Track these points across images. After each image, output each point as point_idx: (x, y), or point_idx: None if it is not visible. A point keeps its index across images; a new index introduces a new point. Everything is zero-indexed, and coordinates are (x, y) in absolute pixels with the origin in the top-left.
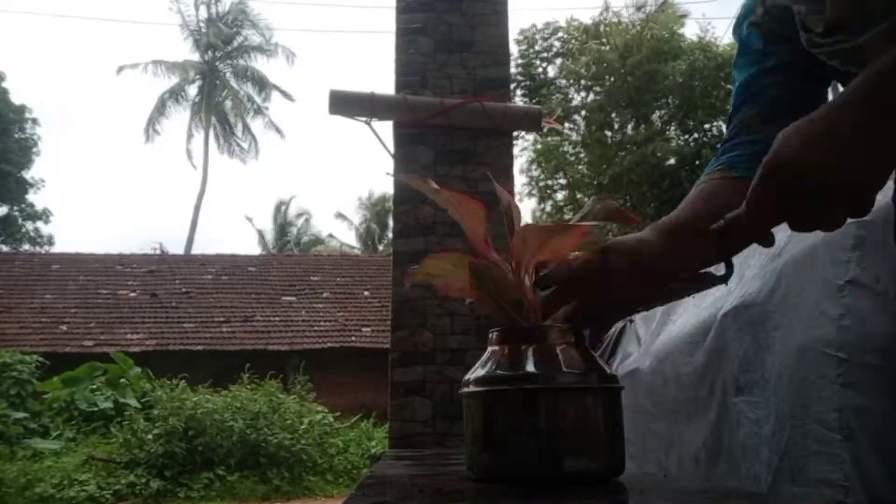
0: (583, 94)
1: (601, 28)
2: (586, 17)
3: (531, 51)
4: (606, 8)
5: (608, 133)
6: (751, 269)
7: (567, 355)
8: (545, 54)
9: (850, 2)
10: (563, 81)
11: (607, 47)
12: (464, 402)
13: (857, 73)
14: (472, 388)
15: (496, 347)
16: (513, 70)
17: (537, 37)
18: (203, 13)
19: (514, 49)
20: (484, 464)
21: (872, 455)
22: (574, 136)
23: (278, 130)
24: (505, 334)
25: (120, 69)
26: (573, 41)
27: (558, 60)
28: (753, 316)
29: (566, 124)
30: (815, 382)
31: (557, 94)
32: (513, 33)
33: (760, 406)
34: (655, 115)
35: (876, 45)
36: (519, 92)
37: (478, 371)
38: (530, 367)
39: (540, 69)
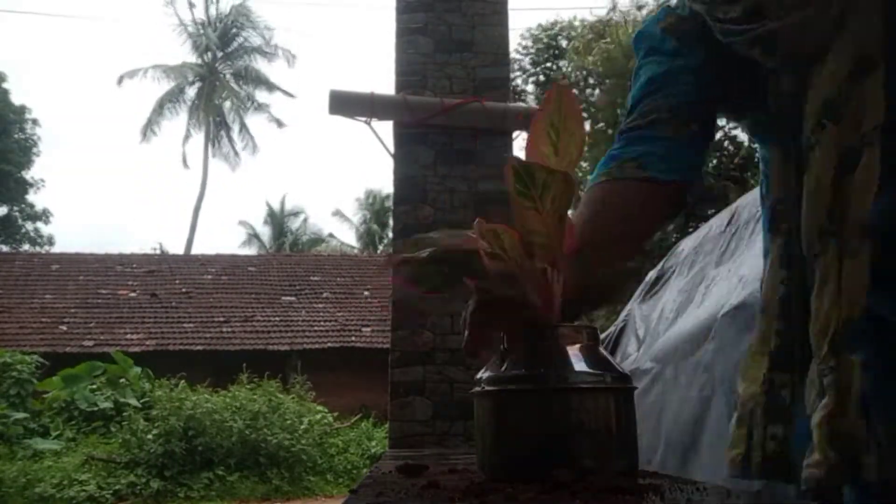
0: (588, 91)
1: (606, 28)
2: (589, 17)
3: (537, 47)
4: (614, 7)
5: (611, 132)
6: (751, 269)
7: (580, 355)
8: (550, 52)
9: None
10: (570, 79)
11: (613, 46)
12: (475, 401)
13: (773, 67)
14: (483, 388)
15: (508, 346)
16: (527, 65)
17: (543, 35)
18: (202, 15)
19: (526, 44)
20: (496, 463)
21: None
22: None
23: (280, 124)
24: (518, 334)
25: (120, 79)
26: (580, 38)
27: (562, 61)
28: (753, 316)
29: None
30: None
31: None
32: (513, 33)
33: None
34: None
35: (792, 33)
36: (530, 87)
37: (489, 371)
38: (543, 367)
39: (549, 65)
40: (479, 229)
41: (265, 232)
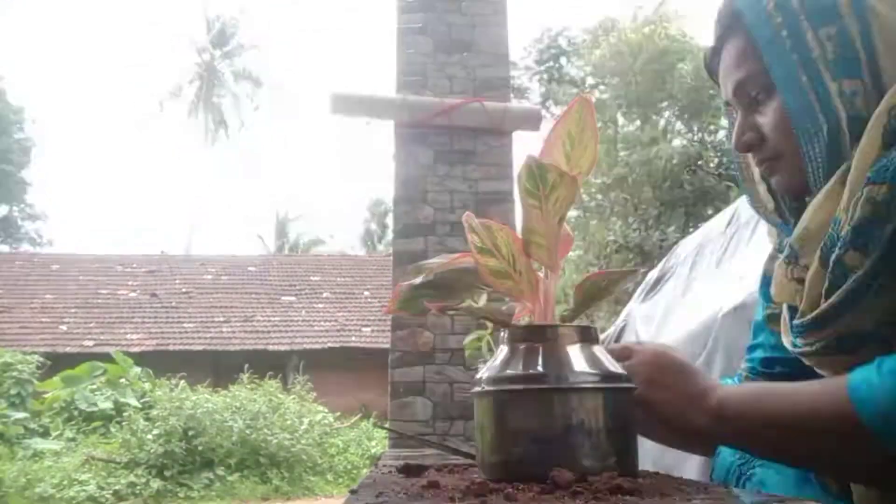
0: (586, 92)
1: (613, 25)
2: (587, 18)
3: (538, 47)
4: (623, 6)
5: (609, 132)
6: (751, 269)
7: (580, 355)
8: (552, 51)
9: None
10: (570, 77)
11: (620, 42)
12: (475, 401)
13: None
14: (483, 388)
15: (508, 346)
16: (531, 62)
17: (544, 35)
18: (202, 13)
19: (529, 43)
20: (496, 463)
21: None
22: None
23: (275, 130)
24: (517, 333)
25: (121, 76)
26: (587, 36)
27: (563, 59)
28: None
29: None
30: None
31: (574, 90)
32: (513, 33)
33: None
34: (663, 115)
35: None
36: (537, 84)
37: (489, 370)
38: (543, 367)
39: (551, 63)
40: (470, 223)
41: (267, 233)
